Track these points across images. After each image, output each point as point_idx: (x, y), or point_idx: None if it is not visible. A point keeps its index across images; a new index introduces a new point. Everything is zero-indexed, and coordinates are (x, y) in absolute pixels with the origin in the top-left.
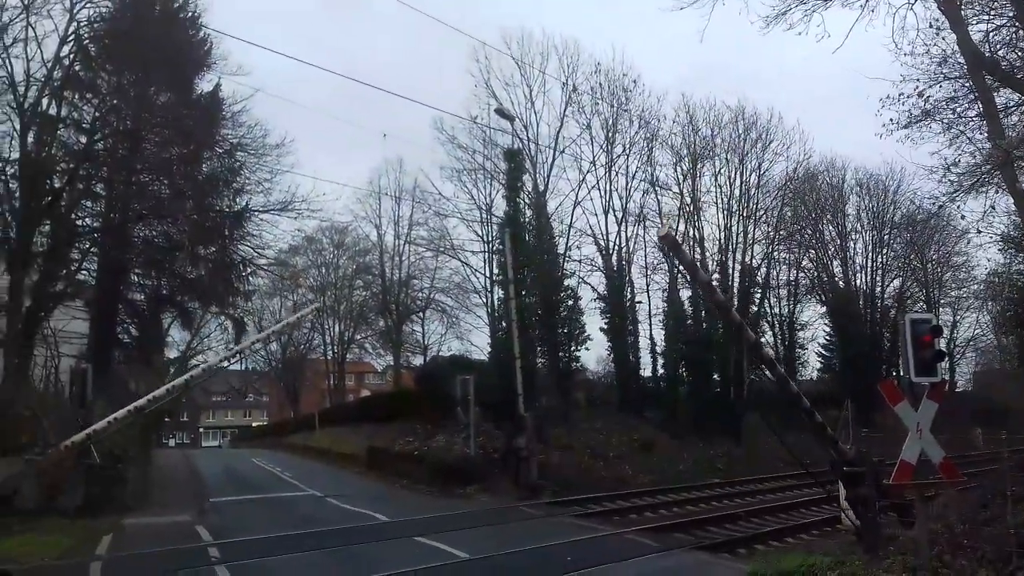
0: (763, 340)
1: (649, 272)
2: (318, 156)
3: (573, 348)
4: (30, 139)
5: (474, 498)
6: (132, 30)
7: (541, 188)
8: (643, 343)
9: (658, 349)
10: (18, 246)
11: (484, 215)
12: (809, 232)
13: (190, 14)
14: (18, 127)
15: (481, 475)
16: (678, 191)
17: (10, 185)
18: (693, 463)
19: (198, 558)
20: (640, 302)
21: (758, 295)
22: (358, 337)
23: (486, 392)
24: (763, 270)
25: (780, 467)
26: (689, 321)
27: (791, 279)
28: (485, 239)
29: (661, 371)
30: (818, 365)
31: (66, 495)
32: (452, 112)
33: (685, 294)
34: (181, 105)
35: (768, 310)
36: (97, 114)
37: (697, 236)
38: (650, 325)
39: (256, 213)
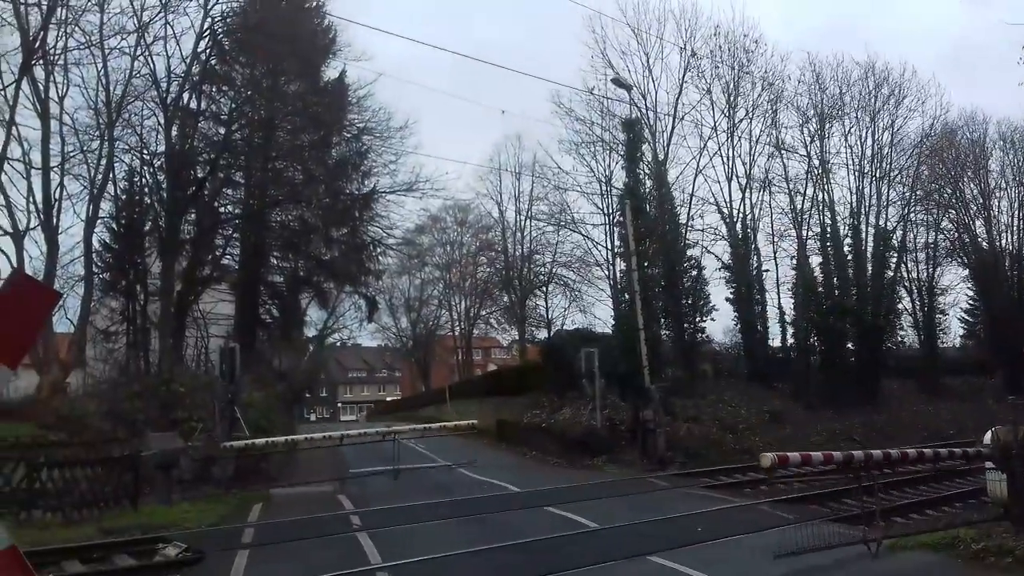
0: (900, 307)
1: (776, 239)
2: (440, 136)
3: (698, 319)
4: (174, 132)
5: (602, 469)
6: (262, 23)
7: (661, 157)
8: (771, 312)
9: (787, 318)
10: (168, 234)
11: (604, 187)
12: (948, 191)
13: (315, 4)
14: (163, 121)
15: (608, 447)
16: (805, 153)
17: (158, 176)
18: (827, 434)
19: (341, 525)
20: (767, 270)
21: (894, 259)
22: (483, 313)
23: (610, 364)
24: (899, 233)
25: (922, 437)
26: (820, 289)
27: (929, 242)
28: (605, 211)
29: (791, 341)
30: (961, 331)
31: (219, 466)
32: (569, 85)
33: (815, 260)
34: (310, 93)
35: (905, 275)
36: (233, 105)
37: (827, 200)
38: (778, 294)
39: (383, 194)
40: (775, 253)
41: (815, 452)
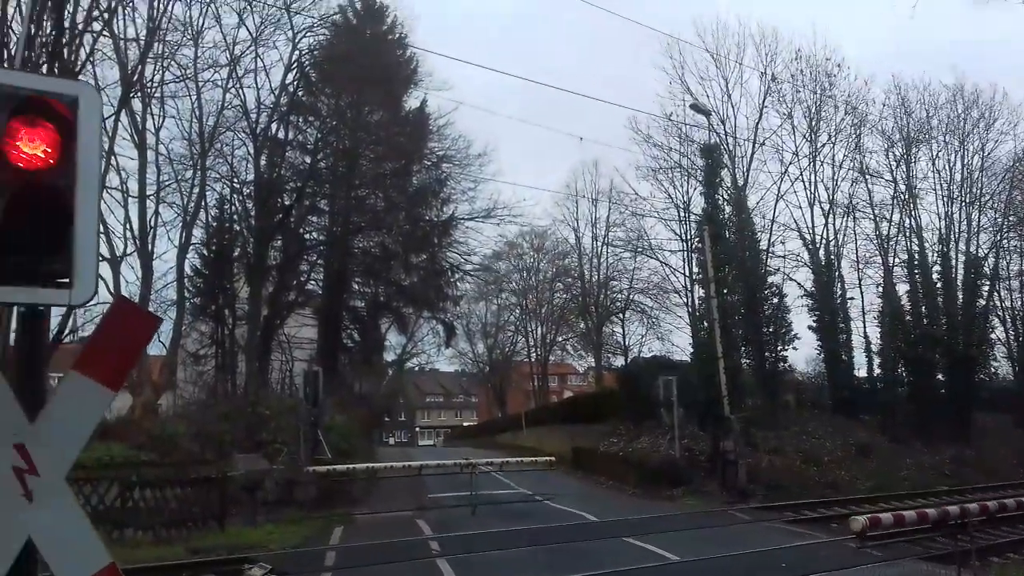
0: (993, 336)
1: (861, 266)
2: (517, 163)
3: (779, 347)
4: (262, 162)
5: (681, 501)
6: (347, 55)
7: (740, 183)
8: (856, 341)
9: (873, 347)
10: (255, 260)
11: (682, 213)
12: None
13: (397, 36)
14: (252, 151)
15: (687, 478)
16: (891, 178)
17: (247, 204)
18: (916, 468)
19: (421, 550)
20: (852, 298)
21: (986, 287)
22: (559, 339)
23: (689, 393)
24: (991, 260)
25: (1019, 474)
26: (908, 317)
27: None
28: (683, 237)
29: (877, 371)
30: None
31: (302, 489)
32: (646, 111)
33: (902, 288)
34: (392, 122)
35: (998, 303)
36: (319, 135)
37: (914, 226)
38: (864, 322)
39: (462, 221)
40: (860, 280)
41: (907, 511)
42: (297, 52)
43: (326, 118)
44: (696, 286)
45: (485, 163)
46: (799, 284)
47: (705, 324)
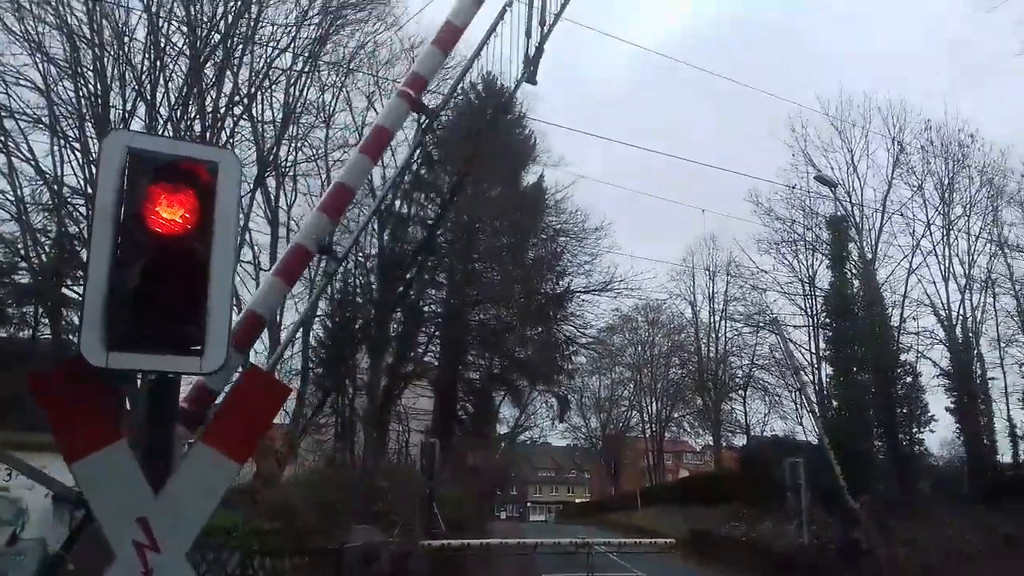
0: None
1: (1003, 344)
2: (634, 236)
3: (914, 430)
4: (385, 236)
5: None
6: (468, 134)
7: (869, 256)
8: (999, 424)
9: (1019, 431)
10: (376, 332)
11: (806, 287)
12: None
13: (517, 114)
14: (376, 226)
15: (816, 567)
16: None
17: (370, 277)
18: None
19: None
20: (993, 378)
21: None
22: (675, 415)
23: (816, 477)
24: None
25: None
26: None
27: None
28: (808, 312)
29: (1023, 457)
30: None
31: (417, 562)
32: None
33: None
34: (510, 198)
35: None
36: (438, 211)
37: None
38: (1007, 404)
39: (578, 294)
40: (1002, 359)
41: None
42: (421, 131)
43: (446, 194)
44: (823, 364)
45: (602, 236)
46: (934, 363)
47: (834, 403)
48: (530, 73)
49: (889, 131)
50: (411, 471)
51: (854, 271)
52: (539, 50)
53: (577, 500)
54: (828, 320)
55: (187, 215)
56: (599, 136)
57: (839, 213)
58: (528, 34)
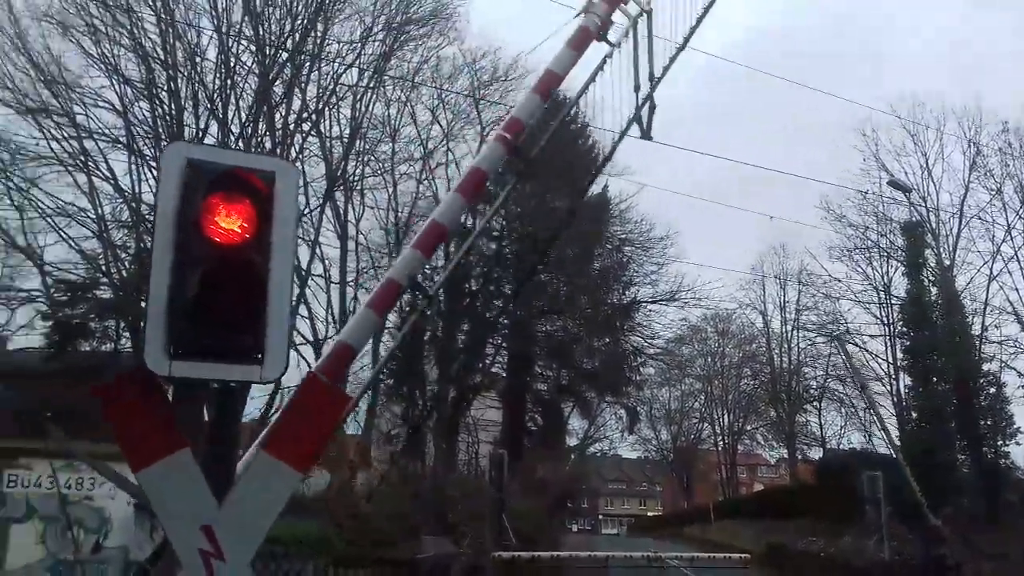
0: None
1: None
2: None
3: (999, 442)
4: (451, 248)
5: None
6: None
7: (947, 263)
8: None
9: None
10: (444, 344)
11: (881, 296)
12: None
13: (580, 124)
14: None
15: None
16: None
17: (437, 289)
18: None
19: None
20: None
21: None
22: (748, 428)
23: (897, 491)
24: None
25: None
26: None
27: None
28: (884, 321)
29: None
30: None
31: (484, 573)
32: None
33: None
34: (574, 208)
35: None
36: (504, 222)
37: None
38: None
39: (645, 304)
40: None
41: None
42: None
43: (511, 206)
44: (902, 374)
45: (668, 245)
46: (1019, 373)
47: (914, 415)
48: (644, 131)
49: (964, 133)
50: (480, 483)
51: (931, 278)
52: (652, 106)
53: (649, 513)
54: (905, 329)
55: (245, 224)
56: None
57: (914, 219)
58: (636, 88)
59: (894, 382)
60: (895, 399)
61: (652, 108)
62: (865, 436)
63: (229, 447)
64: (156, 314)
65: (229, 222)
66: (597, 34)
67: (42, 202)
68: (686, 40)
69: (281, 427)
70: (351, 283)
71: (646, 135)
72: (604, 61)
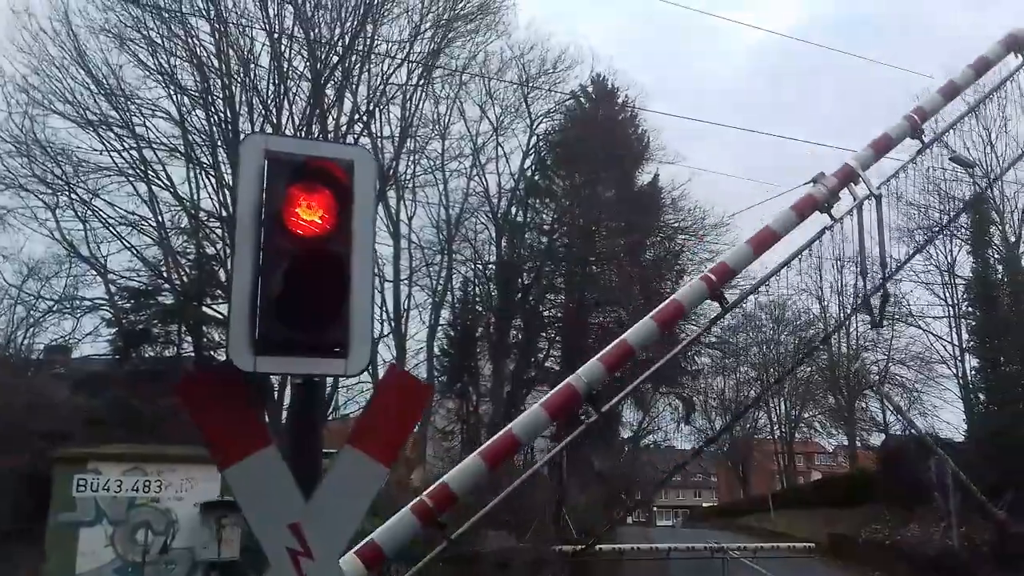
0: None
1: None
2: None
3: None
4: (503, 244)
5: None
6: (581, 137)
7: (1012, 240)
8: None
9: None
10: (497, 339)
11: (945, 276)
12: None
13: (629, 114)
14: (494, 234)
15: (969, 571)
16: None
17: (489, 285)
18: None
19: None
20: None
21: None
22: (805, 416)
23: (965, 476)
24: None
25: None
26: None
27: None
28: (949, 302)
29: None
30: None
31: (550, 568)
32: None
33: None
34: (625, 198)
35: None
36: (555, 215)
37: None
38: None
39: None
40: None
41: None
42: (535, 138)
43: (561, 199)
44: (967, 355)
45: (722, 232)
46: None
47: (981, 398)
48: (875, 320)
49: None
50: (539, 476)
51: (998, 256)
52: (885, 295)
53: (704, 504)
54: (971, 309)
55: (325, 215)
56: (713, 123)
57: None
58: (863, 272)
59: (960, 364)
60: (961, 382)
61: (885, 297)
62: (930, 419)
63: (314, 442)
64: (240, 309)
65: (310, 213)
66: (822, 205)
67: (104, 212)
68: (919, 248)
69: (366, 421)
70: (404, 280)
71: (877, 323)
72: (822, 232)
